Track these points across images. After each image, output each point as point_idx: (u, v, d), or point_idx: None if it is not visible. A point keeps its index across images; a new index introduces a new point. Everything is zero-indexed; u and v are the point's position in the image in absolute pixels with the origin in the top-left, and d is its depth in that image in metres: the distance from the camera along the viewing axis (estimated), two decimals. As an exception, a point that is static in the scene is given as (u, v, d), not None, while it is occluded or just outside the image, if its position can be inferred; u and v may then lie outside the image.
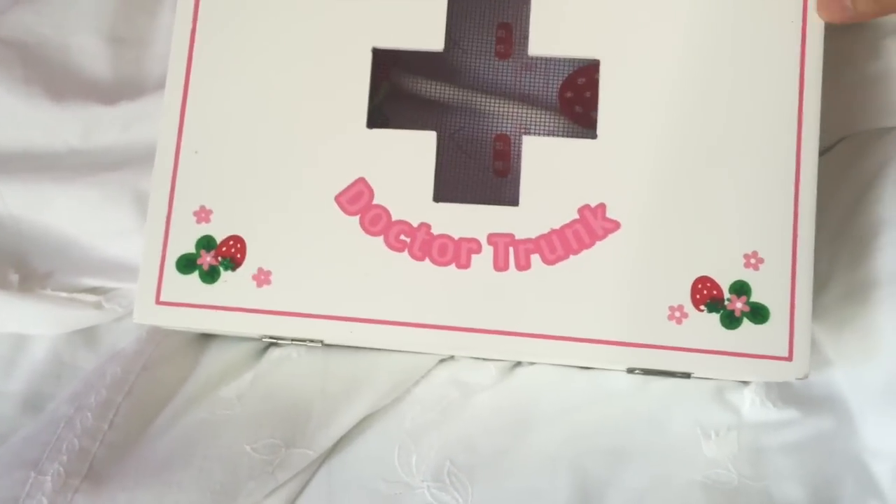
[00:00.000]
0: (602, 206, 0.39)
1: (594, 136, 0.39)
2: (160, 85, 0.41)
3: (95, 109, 0.48)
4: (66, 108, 0.48)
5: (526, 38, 0.40)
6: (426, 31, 0.40)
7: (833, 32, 0.45)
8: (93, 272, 0.47)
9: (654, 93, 0.39)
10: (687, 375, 0.41)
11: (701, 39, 0.39)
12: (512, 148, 0.45)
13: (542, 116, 0.44)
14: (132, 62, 0.50)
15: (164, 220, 0.40)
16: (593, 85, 0.39)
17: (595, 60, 0.40)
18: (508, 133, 0.45)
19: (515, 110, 0.44)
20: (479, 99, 0.44)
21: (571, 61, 0.45)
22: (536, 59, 0.45)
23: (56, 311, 0.47)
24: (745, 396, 0.43)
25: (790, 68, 0.39)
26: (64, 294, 0.47)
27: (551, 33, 0.40)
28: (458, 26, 0.45)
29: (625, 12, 0.40)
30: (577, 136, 0.43)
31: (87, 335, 0.48)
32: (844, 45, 0.46)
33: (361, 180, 0.40)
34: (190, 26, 0.41)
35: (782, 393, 0.43)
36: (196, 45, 0.41)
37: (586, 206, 0.39)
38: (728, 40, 0.39)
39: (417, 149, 0.40)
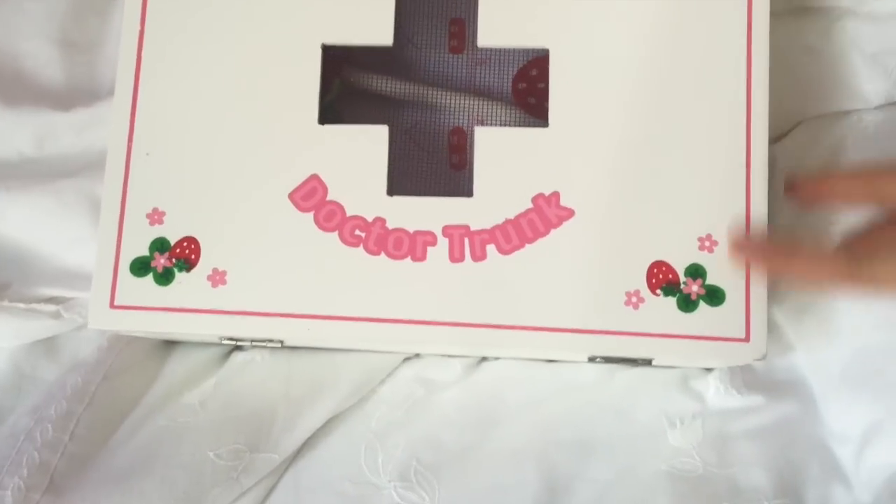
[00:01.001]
0: (556, 195, 0.39)
1: (546, 126, 0.39)
2: (113, 88, 0.41)
3: (48, 116, 0.48)
4: (19, 115, 0.47)
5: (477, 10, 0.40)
6: (375, 27, 0.40)
7: (784, 18, 0.46)
8: (51, 281, 0.47)
9: (604, 80, 0.39)
10: (648, 362, 0.41)
11: (649, 27, 0.40)
12: (468, 141, 0.44)
13: (497, 108, 0.44)
14: (85, 66, 0.49)
15: (117, 223, 0.39)
16: (546, 76, 0.39)
17: (545, 50, 0.40)
18: (464, 126, 0.45)
19: (469, 103, 0.44)
20: (433, 93, 0.44)
21: (522, 52, 0.45)
22: (488, 50, 0.45)
23: (14, 323, 0.46)
24: (710, 384, 0.43)
25: (737, 53, 0.39)
26: (22, 305, 0.46)
27: (500, 24, 0.40)
28: (411, 22, 0.45)
29: (573, 1, 0.40)
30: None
31: (47, 345, 0.48)
32: (797, 30, 0.47)
33: (314, 177, 0.39)
34: (138, 28, 0.41)
35: (746, 379, 0.43)
36: (144, 46, 0.41)
37: (540, 195, 0.39)
38: (676, 27, 0.39)
39: (370, 143, 0.39)
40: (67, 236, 0.47)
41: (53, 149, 0.48)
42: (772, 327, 0.40)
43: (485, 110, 0.44)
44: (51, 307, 0.47)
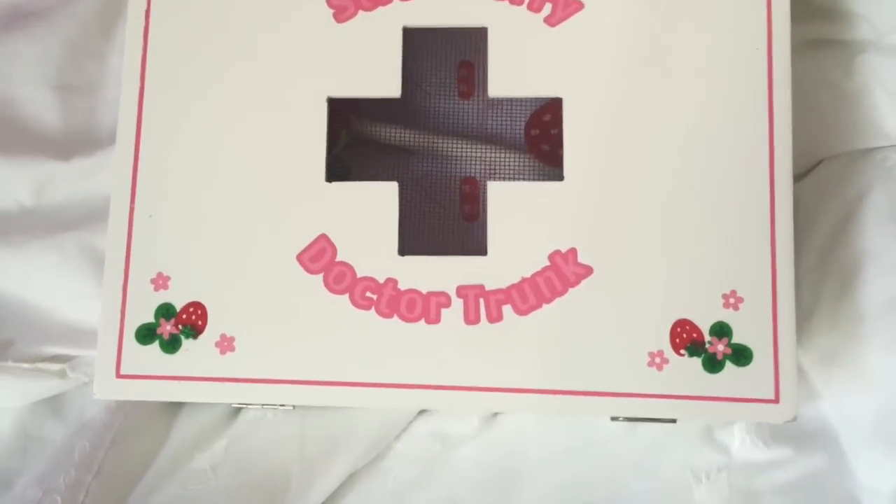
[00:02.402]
0: (573, 251, 0.37)
1: (561, 178, 0.38)
2: (114, 134, 0.40)
3: (47, 165, 0.46)
4: (17, 164, 0.46)
5: (487, 76, 0.39)
6: (382, 78, 0.39)
7: (803, 51, 0.45)
8: (54, 339, 0.46)
9: (619, 131, 0.38)
10: (673, 420, 0.39)
11: (666, 73, 0.38)
12: (480, 191, 0.43)
13: (509, 157, 0.43)
14: (83, 111, 0.48)
15: (121, 289, 0.38)
16: (559, 121, 0.38)
17: (558, 98, 0.38)
18: (476, 175, 0.44)
19: (481, 152, 0.43)
20: (443, 142, 0.43)
21: (535, 99, 0.44)
22: (498, 99, 0.43)
23: (20, 383, 0.45)
24: (735, 435, 0.42)
25: (758, 101, 0.37)
26: (26, 365, 0.45)
27: (510, 74, 0.38)
28: (417, 67, 0.44)
29: (585, 48, 0.38)
30: (546, 178, 0.42)
31: (53, 404, 0.47)
32: (816, 66, 0.45)
33: (323, 237, 0.38)
34: (138, 84, 0.39)
35: (772, 430, 0.42)
36: (145, 102, 0.39)
37: (557, 252, 0.37)
38: (694, 73, 0.38)
39: (379, 201, 0.38)
40: (70, 291, 0.46)
41: (53, 198, 0.47)
42: (798, 375, 0.39)
43: (497, 159, 0.43)
44: (56, 366, 0.46)
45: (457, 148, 0.43)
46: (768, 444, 0.41)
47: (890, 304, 0.41)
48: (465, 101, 0.45)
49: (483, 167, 0.43)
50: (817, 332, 0.43)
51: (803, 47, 0.45)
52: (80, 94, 0.49)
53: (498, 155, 0.43)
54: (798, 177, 0.45)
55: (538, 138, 0.43)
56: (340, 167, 0.42)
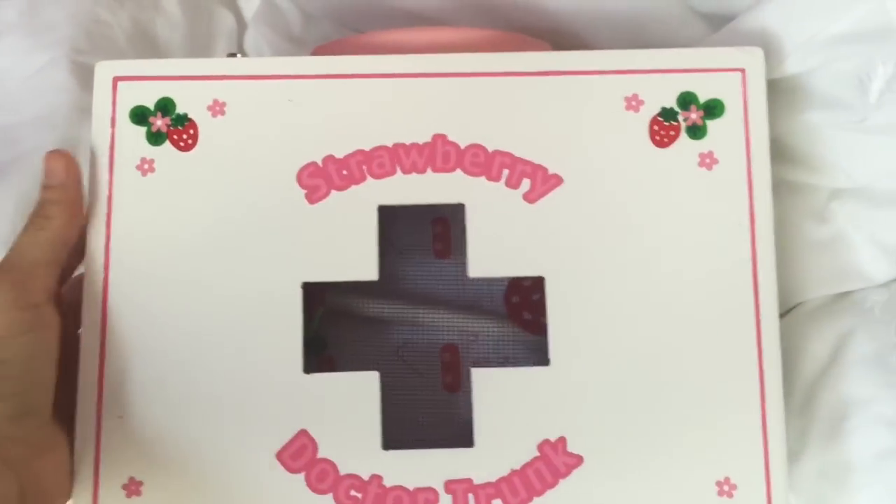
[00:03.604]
0: (562, 440, 0.36)
1: (546, 358, 0.37)
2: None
3: None
4: None
5: (465, 234, 0.38)
6: (358, 262, 0.38)
7: (777, 195, 0.44)
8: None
9: (605, 310, 0.37)
10: None
11: (649, 247, 0.37)
12: (461, 359, 0.42)
13: (490, 326, 0.42)
14: None
15: (91, 496, 0.36)
16: (540, 288, 0.37)
17: (539, 277, 0.37)
18: (455, 342, 0.42)
19: (461, 320, 0.42)
20: (421, 312, 0.41)
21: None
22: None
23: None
24: None
25: (742, 276, 0.37)
26: None
27: (490, 253, 0.38)
28: (390, 227, 0.43)
29: (566, 225, 0.37)
30: (528, 348, 0.41)
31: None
32: (790, 211, 0.45)
33: (304, 433, 0.37)
34: (102, 275, 0.38)
35: None
36: (110, 293, 0.38)
37: (546, 441, 0.36)
38: (676, 252, 0.37)
39: (360, 392, 0.37)
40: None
41: None
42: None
43: (477, 327, 0.42)
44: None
45: (435, 317, 0.42)
46: None
47: (880, 458, 0.41)
48: (442, 261, 0.43)
49: (463, 335, 0.42)
50: (806, 477, 0.43)
51: (776, 188, 0.45)
52: None
53: (478, 324, 0.42)
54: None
55: (519, 305, 0.42)
56: (316, 341, 0.41)
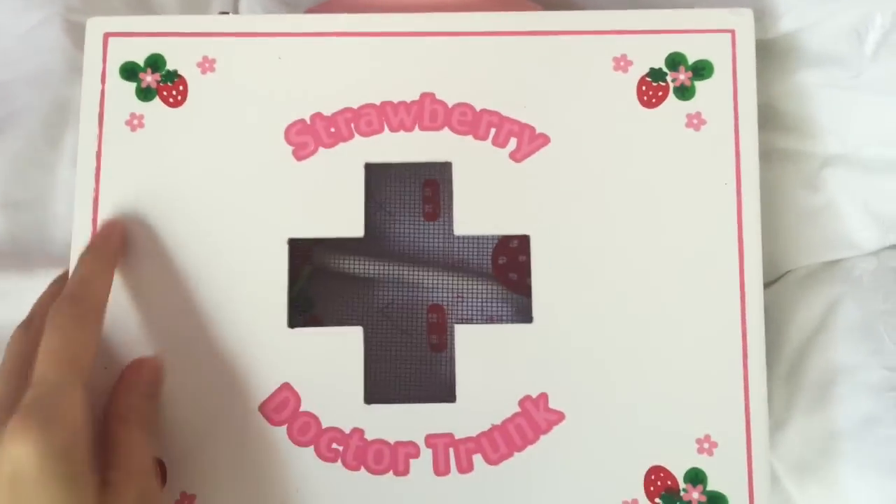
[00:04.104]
0: (544, 396, 0.36)
1: (530, 315, 0.37)
2: (65, 250, 0.38)
3: None
4: None
5: (451, 193, 0.38)
6: (345, 218, 0.38)
7: (768, 162, 0.44)
8: None
9: (589, 269, 0.37)
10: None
11: (634, 208, 0.37)
12: (447, 320, 0.42)
13: (477, 285, 0.42)
14: (31, 228, 0.46)
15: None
16: (527, 249, 0.37)
17: (525, 236, 0.37)
18: (442, 303, 0.43)
19: (448, 281, 0.42)
20: (408, 272, 0.42)
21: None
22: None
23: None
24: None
25: (728, 236, 0.37)
26: None
27: (476, 211, 0.38)
28: (379, 188, 0.43)
29: (553, 184, 0.37)
30: (515, 308, 0.41)
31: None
32: (781, 176, 0.45)
33: (286, 386, 0.37)
34: (90, 229, 0.38)
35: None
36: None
37: (527, 398, 0.36)
38: (662, 212, 0.37)
39: (344, 347, 0.37)
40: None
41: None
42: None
43: (464, 286, 0.42)
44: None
45: (422, 277, 0.42)
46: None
47: (865, 424, 0.41)
48: (431, 223, 0.44)
49: (450, 295, 0.42)
50: (790, 443, 0.43)
51: (768, 156, 0.45)
52: (28, 210, 0.47)
53: (465, 283, 0.42)
54: (764, 285, 0.45)
55: (505, 266, 0.42)
56: (303, 300, 0.41)
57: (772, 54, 0.44)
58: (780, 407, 0.43)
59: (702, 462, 0.36)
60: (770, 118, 0.44)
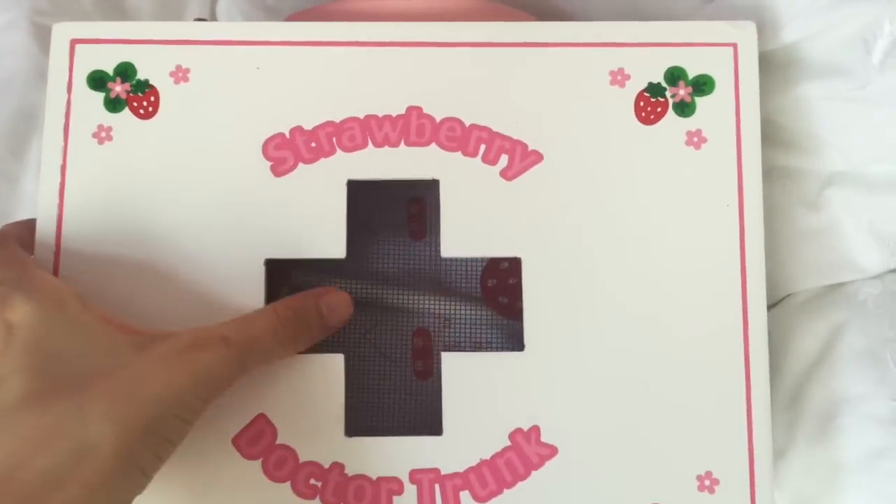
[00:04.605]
0: (535, 429, 0.34)
1: (521, 343, 0.35)
2: None
3: None
4: None
5: (438, 213, 0.36)
6: (326, 238, 0.36)
7: (769, 180, 0.42)
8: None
9: (584, 295, 0.35)
10: None
11: (632, 230, 0.35)
12: (434, 345, 0.40)
13: (464, 309, 0.40)
14: None
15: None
16: (518, 271, 0.35)
17: (516, 258, 0.35)
18: (428, 327, 0.40)
19: (434, 304, 0.40)
20: (392, 294, 0.39)
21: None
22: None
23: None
24: None
25: (730, 260, 0.35)
26: None
27: (464, 232, 0.36)
28: (365, 208, 0.41)
29: (545, 204, 0.36)
30: (505, 333, 0.39)
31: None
32: (781, 197, 0.43)
33: (262, 417, 0.35)
34: (53, 249, 0.36)
35: None
36: (61, 269, 0.36)
37: (518, 431, 0.34)
38: (661, 233, 0.35)
39: (323, 375, 0.35)
40: None
41: None
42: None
43: (451, 309, 0.40)
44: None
45: (407, 300, 0.39)
46: None
47: (870, 458, 0.39)
48: (417, 243, 0.41)
49: (436, 320, 0.40)
50: (792, 474, 0.41)
51: (767, 174, 0.43)
52: None
53: (452, 308, 0.40)
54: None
55: (495, 289, 0.40)
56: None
57: (772, 66, 0.42)
58: (781, 436, 0.41)
59: (703, 501, 0.34)
60: (770, 134, 0.43)
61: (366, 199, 0.38)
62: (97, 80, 0.37)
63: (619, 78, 0.36)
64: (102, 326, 0.30)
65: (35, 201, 0.36)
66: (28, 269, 0.32)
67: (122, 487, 0.28)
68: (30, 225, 0.35)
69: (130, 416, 0.28)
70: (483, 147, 0.36)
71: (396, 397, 0.38)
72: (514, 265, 0.37)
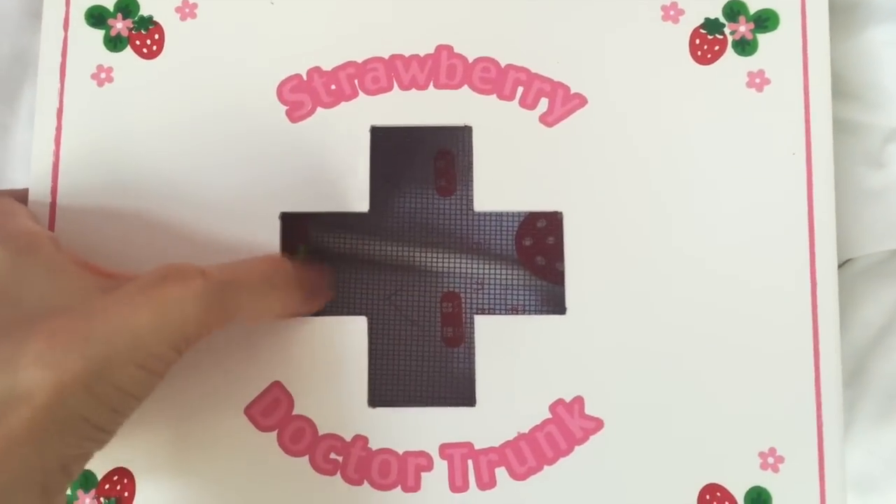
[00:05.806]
0: (579, 401, 0.31)
1: (563, 308, 0.32)
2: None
3: None
4: None
5: (471, 167, 0.32)
6: (346, 190, 0.33)
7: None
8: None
9: (632, 253, 0.32)
10: None
11: (686, 183, 0.32)
12: (464, 309, 0.37)
13: (498, 271, 0.36)
14: None
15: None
16: (557, 229, 0.32)
17: (557, 212, 0.32)
18: (458, 290, 0.37)
19: (465, 264, 0.36)
20: (418, 254, 0.36)
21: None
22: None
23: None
24: None
25: (797, 221, 0.32)
26: None
27: (499, 184, 0.33)
28: (386, 159, 0.38)
29: (590, 152, 0.32)
30: (544, 302, 0.36)
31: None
32: (841, 154, 0.39)
33: (277, 385, 0.32)
34: (49, 199, 0.33)
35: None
36: (57, 221, 0.33)
37: (560, 402, 0.31)
38: (718, 185, 0.32)
39: (344, 340, 0.32)
40: None
41: None
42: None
43: (484, 272, 0.36)
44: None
45: (436, 260, 0.36)
46: None
47: (940, 436, 0.36)
48: (447, 198, 0.38)
49: (467, 282, 0.37)
50: (853, 454, 0.38)
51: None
52: None
53: (485, 268, 0.36)
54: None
55: (532, 248, 0.37)
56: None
57: (832, 9, 0.38)
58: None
59: (766, 480, 0.31)
60: (835, 85, 0.39)
61: (391, 147, 0.35)
62: (96, 17, 0.34)
63: (672, 13, 0.33)
64: (74, 269, 0.27)
65: (28, 152, 0.33)
66: (4, 214, 0.28)
67: (61, 442, 0.24)
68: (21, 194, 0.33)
69: (69, 360, 0.24)
70: (520, 90, 0.33)
71: (425, 364, 0.35)
72: (552, 222, 0.34)
